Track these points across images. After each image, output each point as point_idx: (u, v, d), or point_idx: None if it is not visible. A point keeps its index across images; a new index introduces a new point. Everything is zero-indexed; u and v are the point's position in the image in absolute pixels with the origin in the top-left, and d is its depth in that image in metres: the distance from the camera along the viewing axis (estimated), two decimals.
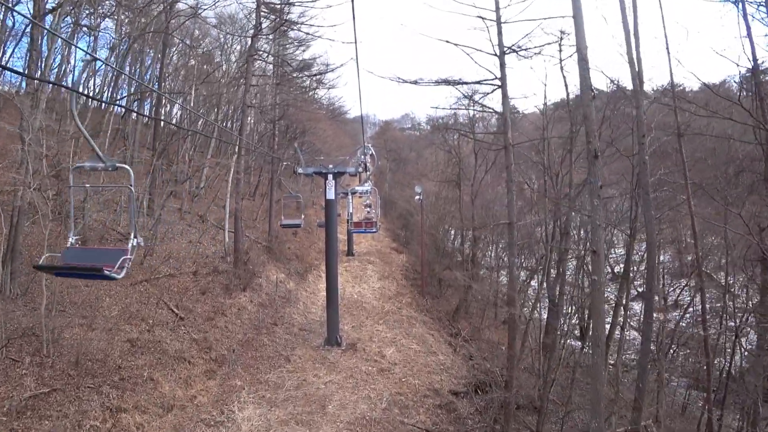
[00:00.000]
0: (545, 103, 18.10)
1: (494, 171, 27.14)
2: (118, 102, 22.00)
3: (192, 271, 19.21)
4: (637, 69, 9.23)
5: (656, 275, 11.04)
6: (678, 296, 32.13)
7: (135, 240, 6.06)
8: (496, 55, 13.16)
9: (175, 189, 23.34)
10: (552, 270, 19.79)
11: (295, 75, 24.24)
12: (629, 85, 12.08)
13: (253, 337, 16.19)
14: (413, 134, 75.30)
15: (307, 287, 22.52)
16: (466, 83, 13.44)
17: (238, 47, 31.59)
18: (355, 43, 8.71)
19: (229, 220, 21.83)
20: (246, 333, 16.30)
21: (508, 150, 12.46)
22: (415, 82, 13.46)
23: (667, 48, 11.30)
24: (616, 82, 13.55)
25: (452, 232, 34.66)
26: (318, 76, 25.77)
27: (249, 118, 24.56)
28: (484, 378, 15.40)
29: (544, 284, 20.63)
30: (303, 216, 18.44)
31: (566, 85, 15.22)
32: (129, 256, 5.95)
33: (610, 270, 32.33)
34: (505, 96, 12.93)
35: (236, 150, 21.40)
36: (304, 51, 27.12)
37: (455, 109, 20.21)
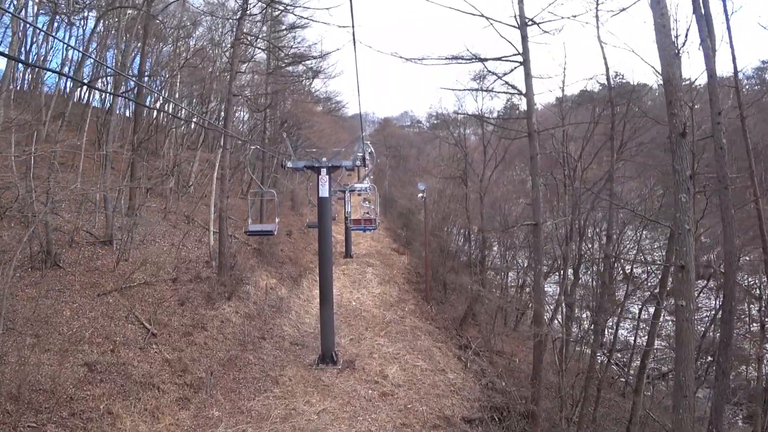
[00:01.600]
0: (563, 88, 16.04)
1: (502, 166, 25.21)
2: (86, 82, 19.84)
3: (171, 278, 17.22)
4: (707, 29, 7.28)
5: (735, 288, 9.03)
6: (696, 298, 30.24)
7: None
8: (516, 27, 11.19)
9: (153, 186, 21.26)
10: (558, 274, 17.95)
11: (288, 62, 22.17)
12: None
13: (237, 355, 14.20)
14: (413, 131, 73.67)
15: (301, 294, 20.53)
16: (481, 60, 11.42)
17: (231, 37, 29.62)
18: (353, 26, 6.74)
19: (214, 221, 19.83)
20: (229, 350, 14.31)
21: (532, 137, 10.50)
22: (421, 60, 11.51)
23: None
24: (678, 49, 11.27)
25: (455, 230, 32.70)
26: (312, 61, 23.70)
27: (235, 109, 22.57)
28: (501, 401, 13.46)
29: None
30: (278, 220, 15.51)
31: (605, 58, 12.71)
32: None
33: (620, 270, 30.40)
34: (528, 74, 10.97)
35: (221, 143, 19.38)
36: (299, 41, 25.21)
37: (469, 90, 18.05)
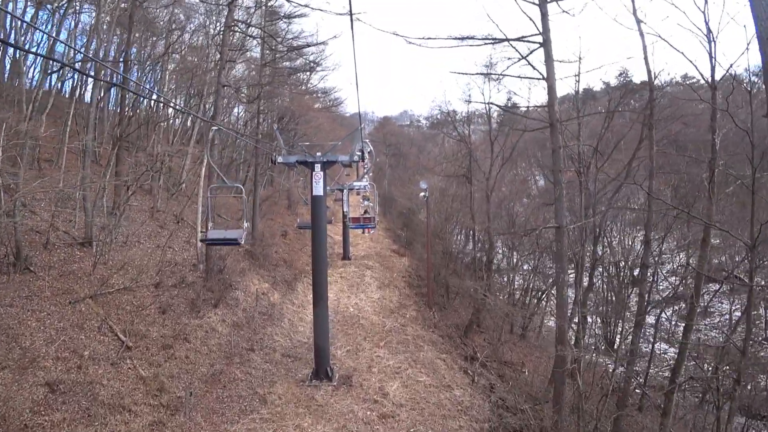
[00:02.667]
0: (577, 76, 14.62)
1: (507, 164, 23.90)
2: (65, 62, 18.39)
3: (154, 282, 15.89)
4: None
5: None
6: (708, 303, 28.95)
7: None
8: (535, 3, 9.85)
9: (137, 183, 19.91)
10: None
11: (283, 51, 20.82)
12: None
13: (222, 370, 12.87)
14: (412, 131, 72.66)
15: (295, 299, 19.21)
16: (496, 40, 10.08)
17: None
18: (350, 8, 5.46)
19: (202, 221, 18.48)
20: (213, 364, 12.98)
21: (554, 128, 9.20)
22: (426, 40, 10.16)
23: None
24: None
25: (455, 231, 31.40)
26: (308, 51, 22.33)
27: (227, 101, 21.23)
28: (514, 421, 12.15)
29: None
30: (247, 224, 12.45)
31: (643, 36, 11.01)
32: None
33: (625, 272, 29.06)
34: (549, 56, 9.67)
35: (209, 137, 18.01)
36: (296, 33, 23.83)
37: (481, 74, 16.60)
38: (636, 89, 19.30)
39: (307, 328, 16.56)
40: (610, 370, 13.35)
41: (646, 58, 10.02)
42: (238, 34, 19.33)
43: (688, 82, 18.64)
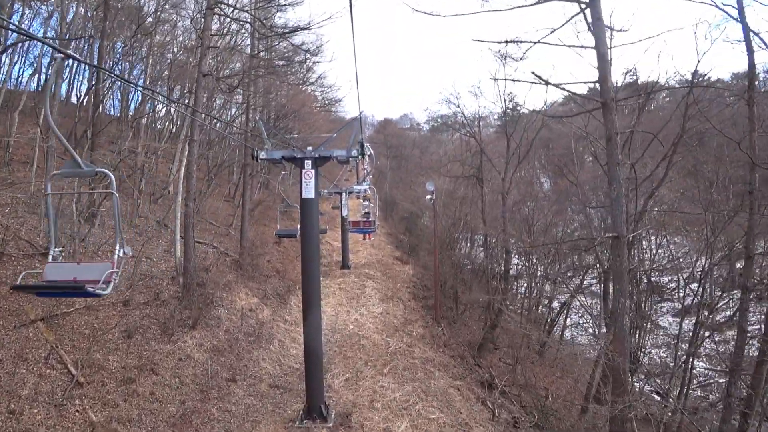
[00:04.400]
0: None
1: (522, 163, 21.80)
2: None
3: (123, 299, 13.79)
4: None
5: None
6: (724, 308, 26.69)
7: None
8: None
9: (107, 186, 17.80)
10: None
11: (270, 34, 18.75)
12: None
13: (196, 408, 10.72)
14: (413, 134, 70.81)
15: (288, 315, 17.07)
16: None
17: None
18: None
19: (182, 228, 16.40)
20: (185, 401, 10.83)
21: (608, 108, 7.15)
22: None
23: None
24: None
25: (458, 235, 29.27)
26: (302, 39, 20.27)
27: (206, 94, 19.11)
28: None
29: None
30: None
31: None
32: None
33: (647, 279, 26.82)
34: (597, 19, 7.56)
35: (189, 134, 15.99)
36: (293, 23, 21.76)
37: (510, 42, 14.31)
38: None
39: (299, 351, 14.39)
40: (662, 413, 11.16)
41: (747, 37, 7.96)
42: (223, 18, 17.32)
43: None
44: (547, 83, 8.20)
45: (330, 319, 17.54)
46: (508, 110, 22.26)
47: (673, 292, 30.55)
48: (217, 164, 27.91)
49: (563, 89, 9.26)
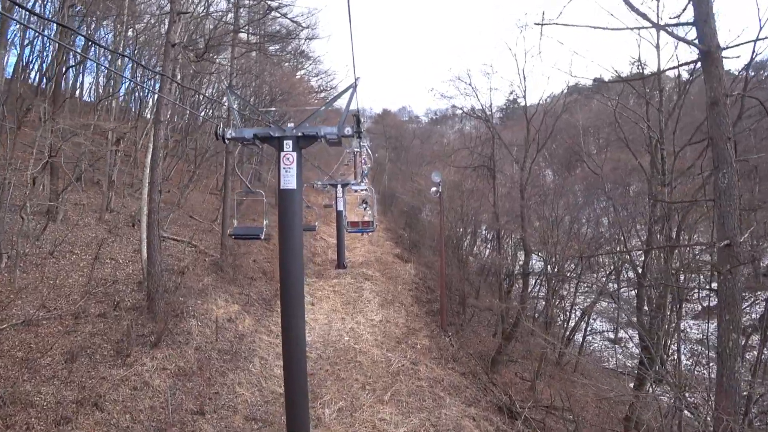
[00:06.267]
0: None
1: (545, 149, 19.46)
2: None
3: (75, 311, 11.54)
4: None
5: None
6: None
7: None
8: None
9: (74, 175, 15.63)
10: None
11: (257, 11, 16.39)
12: None
13: None
14: (413, 126, 68.74)
15: (273, 325, 14.82)
16: None
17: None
18: None
19: (146, 225, 14.07)
20: None
21: (713, 60, 4.88)
22: None
23: None
24: None
25: (460, 230, 27.09)
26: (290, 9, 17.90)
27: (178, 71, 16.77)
28: None
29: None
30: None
31: None
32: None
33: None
34: None
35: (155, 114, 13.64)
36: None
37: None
38: None
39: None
40: None
41: None
42: None
43: None
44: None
45: (322, 329, 15.35)
46: (516, 98, 19.99)
47: None
48: (202, 153, 25.54)
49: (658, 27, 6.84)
